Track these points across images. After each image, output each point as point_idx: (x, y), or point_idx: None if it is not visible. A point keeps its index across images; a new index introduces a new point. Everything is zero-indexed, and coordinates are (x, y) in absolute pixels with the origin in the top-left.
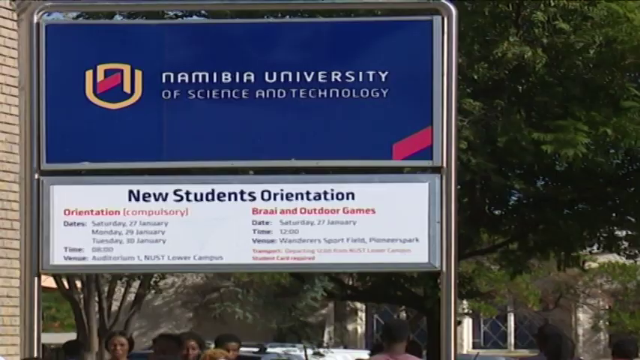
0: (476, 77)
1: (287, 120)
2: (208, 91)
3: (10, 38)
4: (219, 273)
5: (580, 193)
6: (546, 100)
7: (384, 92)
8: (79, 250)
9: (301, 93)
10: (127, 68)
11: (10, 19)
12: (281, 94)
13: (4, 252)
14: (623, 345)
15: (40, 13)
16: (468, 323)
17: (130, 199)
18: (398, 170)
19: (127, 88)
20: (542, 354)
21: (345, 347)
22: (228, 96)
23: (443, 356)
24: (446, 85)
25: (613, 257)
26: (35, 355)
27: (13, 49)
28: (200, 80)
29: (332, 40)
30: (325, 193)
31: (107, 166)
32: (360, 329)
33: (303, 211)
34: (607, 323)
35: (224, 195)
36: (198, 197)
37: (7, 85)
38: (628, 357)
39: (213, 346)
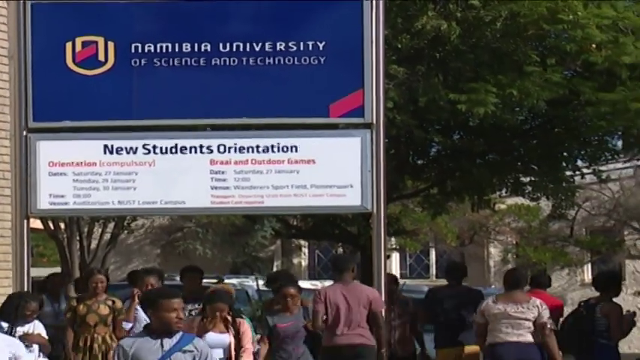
0: (400, 46)
1: (239, 84)
2: (171, 60)
3: (1, 16)
4: (183, 215)
5: (490, 145)
6: (460, 65)
7: (322, 60)
8: (62, 196)
9: (251, 61)
10: (101, 40)
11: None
12: (233, 61)
13: (1, 197)
14: (538, 278)
15: None
16: (395, 257)
17: (105, 153)
18: (334, 126)
19: (101, 57)
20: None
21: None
22: (188, 63)
23: (375, 285)
24: (374, 53)
25: (519, 200)
26: (26, 287)
27: (3, 24)
28: (164, 50)
29: (277, 15)
30: (272, 146)
31: (85, 124)
32: (304, 263)
33: (253, 161)
34: (514, 256)
35: (186, 148)
36: (164, 150)
37: (1, 56)
38: (542, 288)
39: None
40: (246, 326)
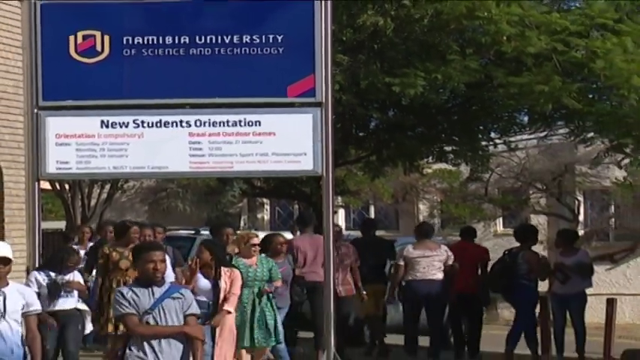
0: (344, 39)
1: (212, 69)
2: (156, 50)
3: (15, 13)
4: (166, 178)
5: (419, 120)
6: (394, 55)
7: (280, 50)
8: (67, 162)
9: (222, 50)
10: (98, 34)
11: (15, 0)
12: (207, 51)
13: (15, 164)
14: (467, 231)
15: None
16: (341, 212)
17: (101, 127)
18: (291, 105)
19: (98, 48)
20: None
21: (256, 229)
22: (170, 53)
23: (324, 234)
24: (323, 44)
25: (442, 165)
26: (37, 237)
27: (17, 21)
28: (150, 42)
29: (243, 12)
30: (240, 121)
31: (85, 103)
32: (266, 217)
33: (224, 134)
34: (439, 212)
35: (168, 123)
36: (150, 124)
37: (14, 46)
38: (470, 238)
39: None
40: (236, 274)
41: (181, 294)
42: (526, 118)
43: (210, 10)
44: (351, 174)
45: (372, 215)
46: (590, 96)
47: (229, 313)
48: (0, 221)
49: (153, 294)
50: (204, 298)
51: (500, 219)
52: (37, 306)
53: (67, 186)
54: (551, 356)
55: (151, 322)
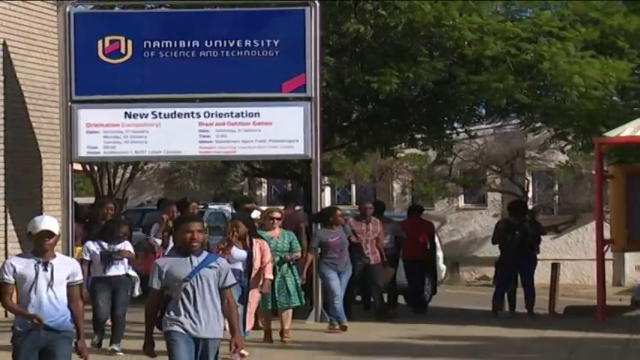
0: (330, 43)
1: (218, 69)
2: (171, 52)
3: (52, 21)
4: (179, 161)
5: (393, 112)
6: (373, 57)
7: (276, 52)
8: (95, 147)
9: (226, 53)
10: (122, 38)
11: (53, 10)
12: (214, 54)
13: (51, 149)
14: (414, 207)
15: (71, 6)
16: (327, 190)
17: (125, 117)
18: (285, 99)
19: (122, 51)
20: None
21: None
22: (183, 55)
23: (314, 207)
24: (313, 48)
25: (413, 150)
26: (70, 211)
27: (54, 27)
28: (166, 46)
29: (245, 20)
30: (242, 112)
31: (111, 97)
32: (264, 194)
33: (229, 123)
34: (410, 190)
35: (181, 114)
36: (166, 115)
37: (51, 49)
38: (418, 214)
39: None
40: (265, 244)
41: (218, 263)
42: (484, 111)
43: (217, 18)
44: (336, 157)
45: (353, 192)
46: (538, 92)
47: (271, 280)
48: (39, 197)
49: (191, 262)
50: (239, 266)
51: (462, 196)
52: (80, 277)
53: (95, 167)
54: (505, 312)
55: (189, 289)
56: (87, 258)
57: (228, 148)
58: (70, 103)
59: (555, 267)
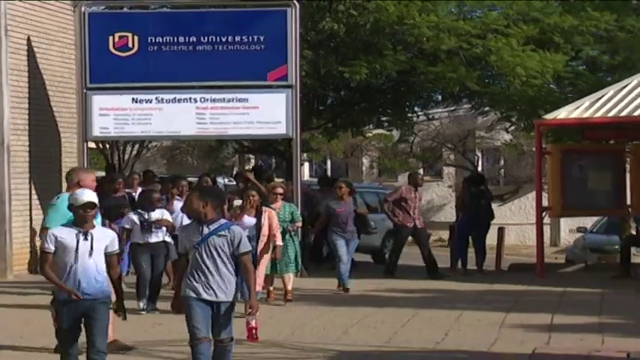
0: (309, 39)
1: (213, 61)
2: (172, 47)
3: (69, 20)
4: (179, 140)
5: (363, 98)
6: (345, 51)
7: (262, 46)
8: (107, 128)
9: (219, 47)
10: (130, 35)
11: (70, 10)
12: (209, 48)
13: (69, 130)
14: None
15: (85, 7)
16: (306, 165)
17: (132, 102)
18: (270, 87)
19: (130, 45)
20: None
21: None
22: (182, 49)
23: (294, 179)
24: (294, 42)
25: (380, 130)
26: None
27: (71, 25)
28: (167, 41)
29: (235, 19)
30: (233, 98)
31: (120, 85)
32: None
33: (222, 107)
34: (377, 164)
35: (181, 100)
36: (168, 101)
37: (69, 44)
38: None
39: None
40: (272, 213)
41: (229, 231)
42: (440, 97)
43: (211, 17)
44: (313, 137)
45: (328, 167)
46: (486, 81)
47: (281, 245)
48: (58, 172)
49: (202, 231)
50: (247, 232)
51: (421, 169)
52: (117, 246)
53: (107, 145)
54: (459, 269)
55: (198, 256)
56: (128, 226)
57: (221, 129)
58: (85, 90)
59: (501, 230)
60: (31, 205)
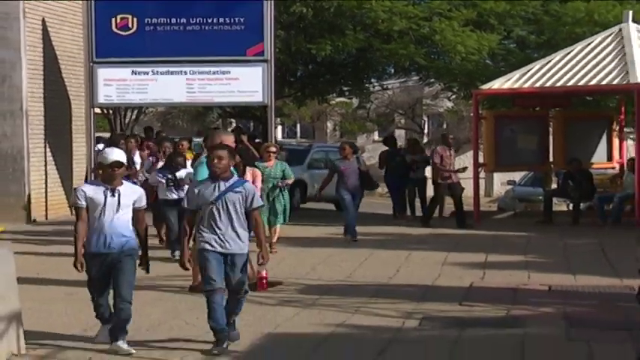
0: (282, 20)
1: (200, 39)
2: (165, 27)
3: (78, 4)
4: (172, 106)
5: (327, 71)
6: (313, 31)
7: (242, 27)
8: (110, 96)
9: (206, 27)
10: (130, 16)
11: None
12: (197, 28)
13: (78, 98)
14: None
15: None
16: (279, 128)
17: (131, 74)
18: (249, 61)
19: (130, 25)
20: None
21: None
22: (175, 29)
23: (268, 139)
24: (269, 24)
25: (342, 99)
26: (92, 143)
27: (80, 7)
28: (162, 22)
29: (220, 4)
30: (217, 71)
31: (122, 59)
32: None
33: (207, 79)
34: (339, 127)
35: (173, 72)
36: (162, 73)
37: (78, 24)
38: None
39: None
40: (257, 172)
41: (243, 188)
42: (392, 70)
43: (199, 2)
44: (285, 104)
45: (298, 129)
46: (432, 57)
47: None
48: (69, 133)
49: (218, 188)
50: None
51: (376, 132)
52: (144, 202)
53: (110, 111)
54: (407, 215)
55: (214, 211)
56: (153, 184)
57: (207, 97)
58: (91, 64)
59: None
60: (46, 161)
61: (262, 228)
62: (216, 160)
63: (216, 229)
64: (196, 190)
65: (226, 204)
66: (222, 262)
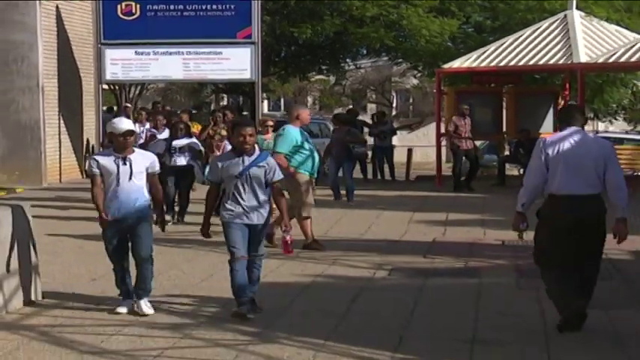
0: (268, 7)
1: (195, 23)
2: (165, 12)
3: None
4: (171, 82)
5: (308, 51)
6: (295, 16)
7: (233, 13)
8: (116, 74)
9: (201, 13)
10: (133, 3)
11: None
12: (193, 13)
13: (88, 75)
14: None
15: None
16: (265, 102)
17: (135, 54)
18: (239, 43)
19: (134, 11)
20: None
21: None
22: (173, 14)
23: (256, 114)
24: (257, 10)
25: (321, 76)
26: (100, 116)
27: None
28: (162, 8)
29: None
30: (211, 52)
31: (126, 41)
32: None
33: (202, 58)
34: (319, 102)
35: (172, 52)
36: (162, 53)
37: (88, 10)
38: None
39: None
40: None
41: (267, 162)
42: (365, 51)
43: None
44: (271, 81)
45: (282, 103)
46: (400, 39)
47: None
48: (80, 106)
49: (243, 162)
50: None
51: (351, 106)
52: (157, 167)
53: (116, 87)
54: (377, 179)
55: (239, 185)
56: (159, 151)
57: (201, 74)
58: (99, 45)
59: (410, 151)
60: (59, 130)
61: (284, 198)
62: (247, 138)
63: (240, 201)
64: (220, 164)
65: (250, 178)
66: (245, 232)
